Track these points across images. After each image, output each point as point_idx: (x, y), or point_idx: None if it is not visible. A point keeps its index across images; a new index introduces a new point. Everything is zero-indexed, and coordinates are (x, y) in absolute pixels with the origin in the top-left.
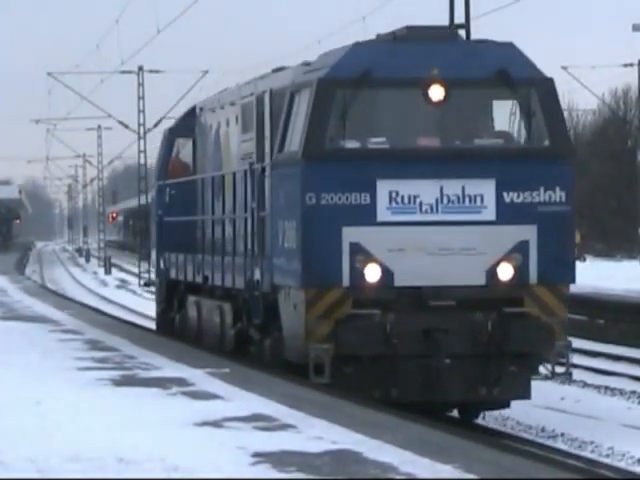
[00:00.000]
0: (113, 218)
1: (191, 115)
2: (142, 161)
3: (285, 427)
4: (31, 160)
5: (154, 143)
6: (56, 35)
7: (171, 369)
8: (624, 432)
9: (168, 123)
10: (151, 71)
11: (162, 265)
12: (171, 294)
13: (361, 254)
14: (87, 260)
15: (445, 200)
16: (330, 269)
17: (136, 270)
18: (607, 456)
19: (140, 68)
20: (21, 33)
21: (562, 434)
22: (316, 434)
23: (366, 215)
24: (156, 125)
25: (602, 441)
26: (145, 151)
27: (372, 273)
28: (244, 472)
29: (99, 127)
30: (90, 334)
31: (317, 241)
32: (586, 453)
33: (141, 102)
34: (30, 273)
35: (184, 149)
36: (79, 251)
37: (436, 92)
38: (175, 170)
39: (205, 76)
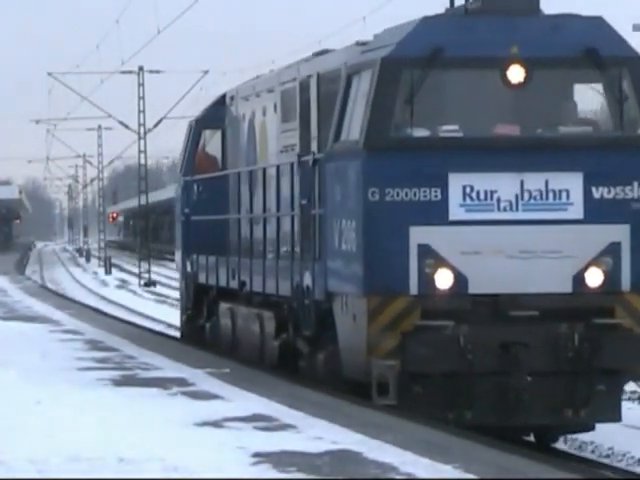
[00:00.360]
0: (113, 218)
1: (220, 104)
2: (142, 161)
3: (285, 427)
4: (31, 160)
5: (154, 143)
6: (56, 35)
7: (171, 369)
8: (624, 432)
9: (168, 123)
10: (151, 71)
11: (189, 268)
12: (199, 300)
13: (431, 257)
14: (87, 260)
15: (526, 196)
16: (396, 274)
17: (136, 270)
18: (607, 456)
19: (140, 68)
20: (21, 33)
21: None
22: (316, 434)
23: (437, 213)
24: (156, 125)
25: (602, 441)
26: (145, 151)
27: (443, 279)
28: (244, 472)
29: (99, 127)
30: (90, 334)
31: (381, 242)
32: (586, 453)
33: (141, 102)
34: (30, 273)
35: (211, 141)
36: (79, 251)
37: (516, 73)
38: (201, 164)
39: (205, 76)
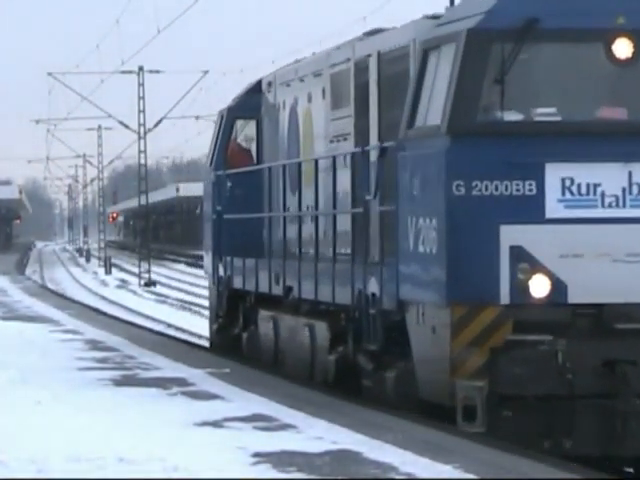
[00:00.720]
0: (113, 218)
1: (254, 92)
2: (142, 161)
3: (285, 427)
4: (31, 160)
5: (154, 143)
6: (56, 35)
7: (171, 369)
8: None
9: (168, 123)
10: (151, 71)
11: (221, 272)
12: (233, 307)
13: (525, 261)
14: (87, 260)
15: (635, 190)
16: (484, 281)
17: (136, 270)
18: None
19: (140, 68)
20: (21, 33)
21: None
22: (316, 434)
23: (531, 210)
24: (156, 125)
25: None
26: (145, 151)
27: (539, 286)
28: (244, 472)
29: (99, 127)
30: (90, 334)
31: (466, 244)
32: None
33: (141, 102)
34: (30, 273)
35: (244, 132)
36: (79, 251)
37: (622, 48)
38: (233, 158)
39: (205, 76)
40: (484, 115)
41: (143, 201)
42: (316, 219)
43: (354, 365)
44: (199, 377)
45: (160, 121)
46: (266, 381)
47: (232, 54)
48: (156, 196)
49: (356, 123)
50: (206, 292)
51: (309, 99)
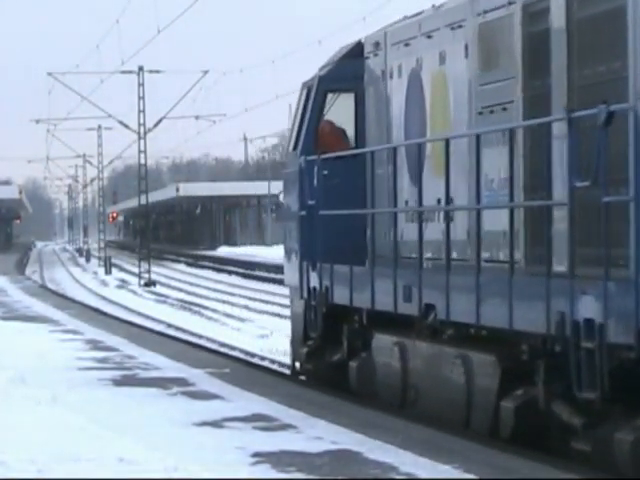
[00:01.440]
0: (113, 218)
1: (352, 57)
2: (142, 161)
3: (285, 427)
4: (31, 160)
5: (154, 143)
6: (56, 35)
7: (171, 369)
8: None
9: (168, 123)
10: (151, 71)
11: (314, 282)
12: (333, 327)
13: None
14: (87, 260)
15: None
16: None
17: (136, 270)
18: None
19: (140, 68)
20: (21, 33)
21: None
22: (316, 434)
23: None
24: (156, 125)
25: None
26: (145, 151)
27: None
28: (244, 472)
29: (99, 127)
30: (90, 334)
31: None
32: None
33: (141, 102)
34: (30, 273)
35: (335, 108)
36: (79, 251)
37: None
38: (324, 140)
39: (205, 76)
40: None
41: (143, 201)
42: (477, 215)
43: (547, 417)
44: (199, 377)
45: (160, 121)
46: (266, 381)
47: (232, 54)
48: (156, 196)
49: (525, 86)
50: (206, 292)
51: (441, 60)
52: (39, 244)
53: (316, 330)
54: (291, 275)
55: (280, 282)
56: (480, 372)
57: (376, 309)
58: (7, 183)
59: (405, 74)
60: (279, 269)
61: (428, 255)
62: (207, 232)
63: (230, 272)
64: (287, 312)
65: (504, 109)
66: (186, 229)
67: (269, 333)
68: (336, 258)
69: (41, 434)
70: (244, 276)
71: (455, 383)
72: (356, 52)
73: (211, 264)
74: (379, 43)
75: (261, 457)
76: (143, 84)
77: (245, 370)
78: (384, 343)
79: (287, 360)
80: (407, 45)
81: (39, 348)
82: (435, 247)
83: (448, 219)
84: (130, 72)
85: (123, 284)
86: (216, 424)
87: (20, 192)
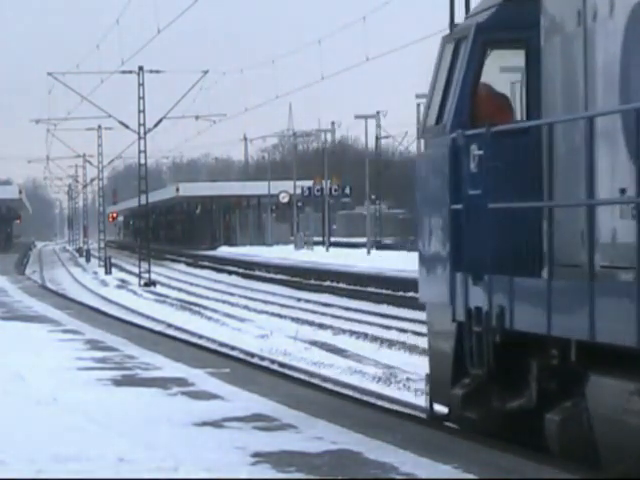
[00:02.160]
0: (113, 218)
1: (522, 1)
2: (142, 161)
3: (285, 427)
4: (31, 160)
5: (154, 143)
6: (56, 35)
7: (171, 369)
8: None
9: (168, 123)
10: (151, 71)
11: (478, 300)
12: (507, 363)
13: None
14: (87, 260)
15: None
16: None
17: (136, 270)
18: None
19: (140, 68)
20: (21, 33)
21: None
22: (316, 434)
23: None
24: (156, 125)
25: None
26: (145, 151)
27: None
28: (244, 472)
29: (99, 127)
30: (90, 334)
31: None
32: None
33: (141, 102)
34: (30, 273)
35: (493, 69)
36: (79, 251)
37: None
38: (482, 110)
39: (205, 76)
40: None
41: (143, 201)
42: None
43: None
44: (199, 377)
45: (160, 121)
46: (266, 381)
47: (232, 54)
48: (156, 196)
49: None
50: (206, 292)
51: None
52: (39, 244)
53: (481, 366)
54: (433, 289)
55: (280, 282)
56: None
57: (597, 341)
58: (7, 183)
59: (621, 11)
60: (279, 269)
61: None
62: (207, 232)
63: (230, 272)
64: (287, 312)
65: None
66: (186, 229)
67: (269, 333)
68: (519, 270)
69: (41, 434)
70: (244, 276)
71: None
72: None
73: (211, 264)
74: None
75: (261, 457)
76: (143, 84)
77: (245, 370)
78: (610, 390)
79: (287, 360)
80: None
81: (39, 348)
82: None
83: None
84: (130, 72)
85: (123, 284)
86: (216, 424)
87: (20, 192)
